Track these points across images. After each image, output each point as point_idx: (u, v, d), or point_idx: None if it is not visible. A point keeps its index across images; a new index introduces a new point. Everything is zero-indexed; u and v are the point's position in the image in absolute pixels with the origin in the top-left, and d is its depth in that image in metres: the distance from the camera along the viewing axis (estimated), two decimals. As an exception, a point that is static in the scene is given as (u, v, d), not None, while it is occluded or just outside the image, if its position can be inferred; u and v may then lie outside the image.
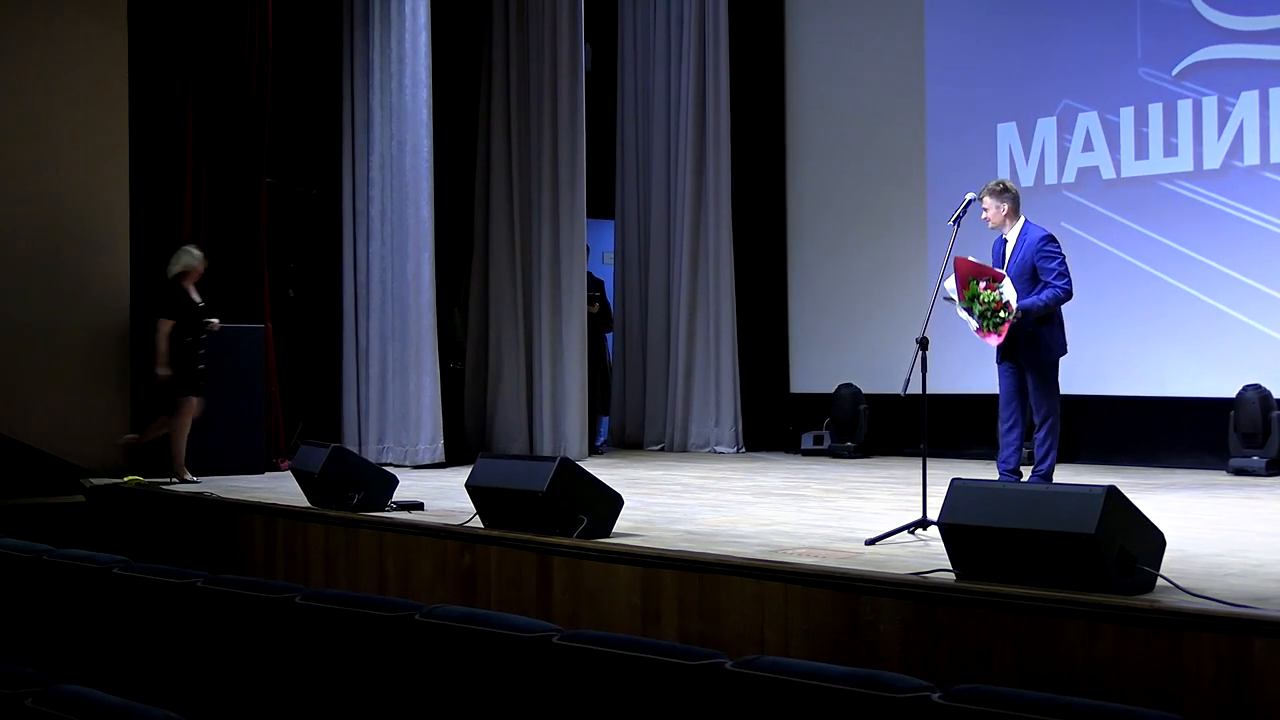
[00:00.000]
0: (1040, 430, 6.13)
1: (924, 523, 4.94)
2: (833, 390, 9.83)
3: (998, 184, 6.32)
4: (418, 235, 9.13)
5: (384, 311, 9.30)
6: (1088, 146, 8.97)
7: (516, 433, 9.72)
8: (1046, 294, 6.09)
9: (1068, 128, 9.07)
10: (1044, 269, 6.09)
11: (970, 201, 5.76)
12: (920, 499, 5.08)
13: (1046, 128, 9.15)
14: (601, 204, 11.29)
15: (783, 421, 9.86)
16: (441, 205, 9.44)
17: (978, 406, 9.27)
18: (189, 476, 7.74)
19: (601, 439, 11.00)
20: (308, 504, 6.32)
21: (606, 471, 7.61)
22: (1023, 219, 6.29)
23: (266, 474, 8.38)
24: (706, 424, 10.28)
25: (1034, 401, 6.16)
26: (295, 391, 9.46)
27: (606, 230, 11.93)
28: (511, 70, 9.97)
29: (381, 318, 9.31)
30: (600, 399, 10.90)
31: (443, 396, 9.22)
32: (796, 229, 10.31)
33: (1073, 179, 9.04)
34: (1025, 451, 6.33)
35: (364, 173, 9.51)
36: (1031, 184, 9.32)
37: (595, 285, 10.77)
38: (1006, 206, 6.23)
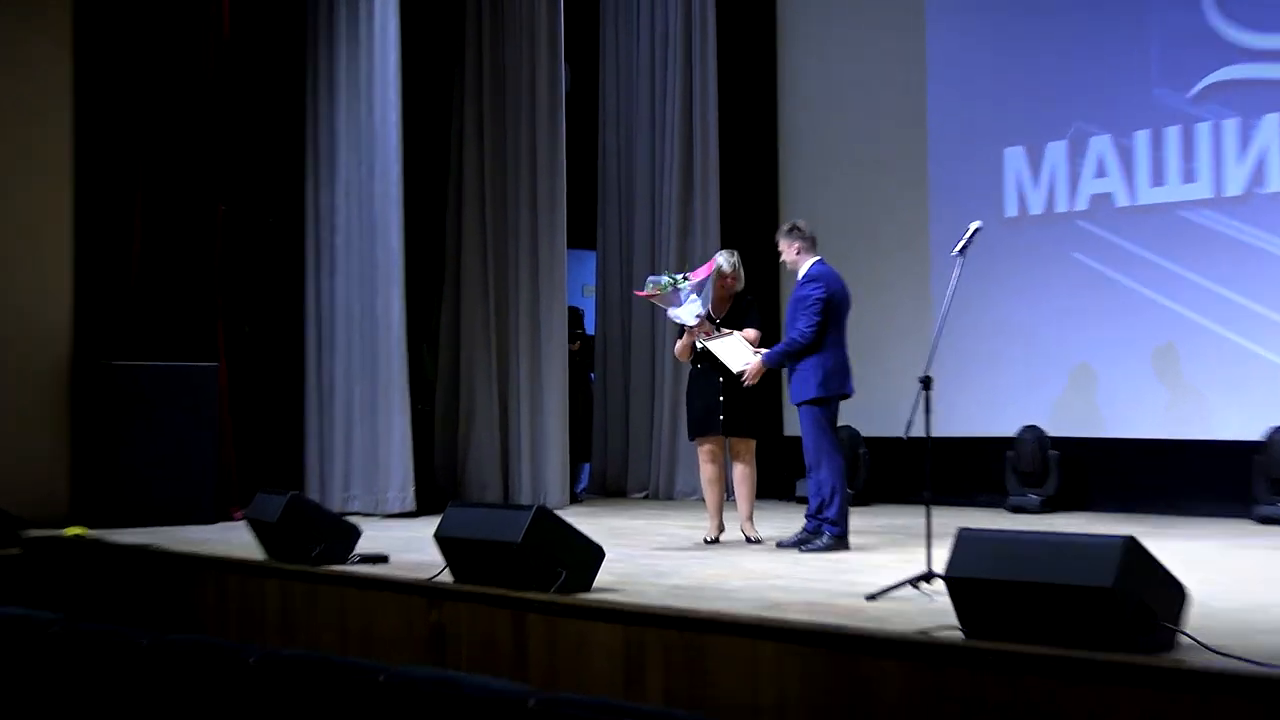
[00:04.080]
0: (819, 477, 6.64)
1: (929, 576, 4.90)
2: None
3: (789, 225, 6.94)
4: (387, 268, 9.13)
5: (350, 349, 9.30)
6: (1101, 172, 8.97)
7: (491, 479, 9.70)
8: (783, 343, 6.78)
9: (1079, 152, 9.09)
10: (799, 311, 6.68)
11: (977, 231, 5.74)
12: (924, 550, 5.03)
13: (1057, 152, 9.16)
14: (581, 233, 11.26)
15: (775, 467, 9.77)
16: (410, 235, 9.34)
17: (986, 451, 9.30)
18: None
19: (582, 486, 10.98)
20: (264, 557, 6.27)
21: (587, 521, 7.49)
22: (815, 258, 6.81)
23: (219, 524, 8.30)
24: (693, 470, 10.02)
25: (805, 446, 6.74)
26: (251, 435, 9.40)
27: (587, 261, 11.92)
28: (485, 92, 10.00)
29: (347, 355, 9.31)
30: (582, 444, 10.85)
31: (413, 440, 9.17)
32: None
33: (1085, 206, 9.03)
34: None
35: (328, 200, 9.50)
36: (1041, 211, 9.29)
37: (576, 320, 10.78)
38: (797, 244, 6.84)
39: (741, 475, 7.28)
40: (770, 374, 7.02)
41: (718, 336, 7.06)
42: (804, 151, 10.80)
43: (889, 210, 10.15)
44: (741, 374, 6.92)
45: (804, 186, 10.76)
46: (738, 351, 6.98)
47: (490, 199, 9.90)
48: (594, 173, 11.41)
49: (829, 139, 10.63)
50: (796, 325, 6.73)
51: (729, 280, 7.24)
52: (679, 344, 7.37)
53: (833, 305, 6.72)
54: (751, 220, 10.92)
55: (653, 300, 7.29)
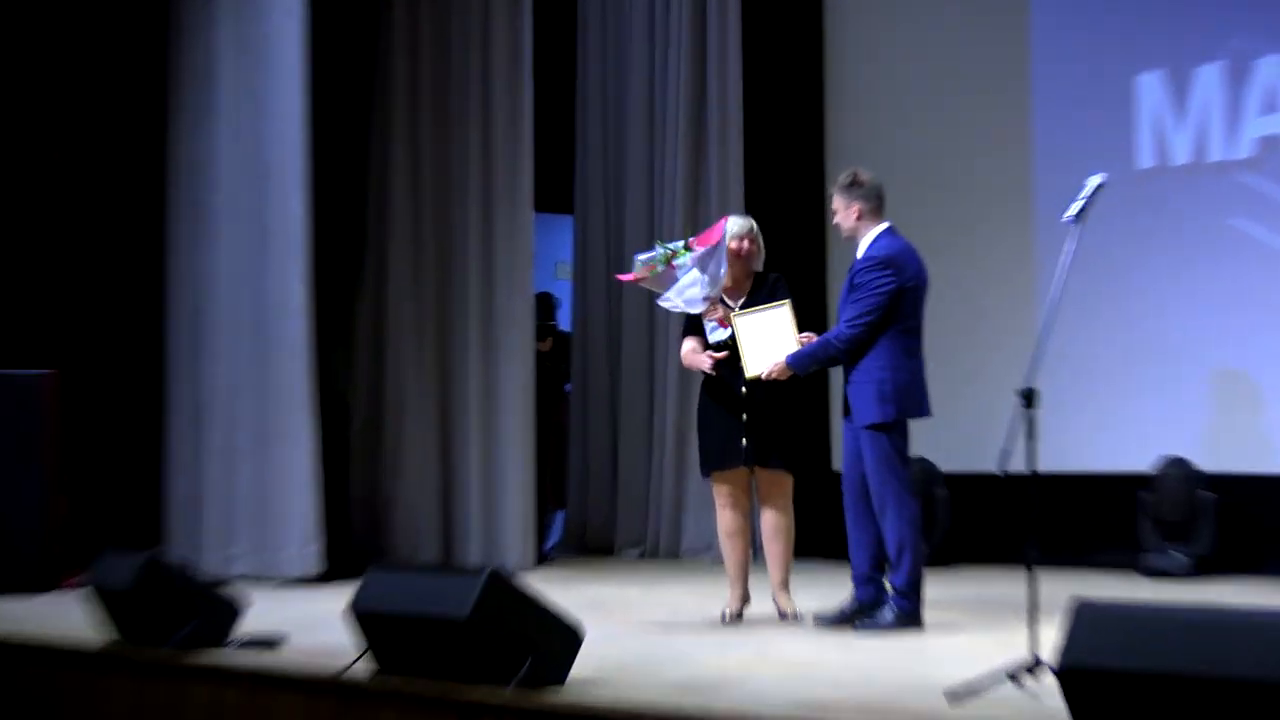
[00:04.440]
0: (883, 527, 6.71)
1: (1034, 666, 4.88)
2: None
3: (848, 175, 6.94)
4: (285, 239, 9.18)
5: (234, 352, 9.35)
6: (1269, 106, 9.01)
7: (427, 531, 9.81)
8: (819, 340, 6.86)
9: (1240, 79, 9.11)
10: (851, 300, 6.77)
11: (1099, 188, 5.70)
12: (1027, 630, 5.03)
13: (1208, 79, 9.19)
14: (553, 194, 11.43)
15: (821, 513, 9.48)
16: (319, 194, 9.37)
17: (1111, 493, 9.38)
18: None
19: (553, 541, 11.14)
20: (111, 640, 6.18)
21: (561, 589, 7.53)
22: (883, 225, 6.86)
23: (47, 595, 8.27)
24: (707, 518, 9.90)
25: (869, 485, 6.79)
26: (96, 470, 9.39)
27: (560, 230, 12.07)
28: (423, 37, 10.08)
29: (231, 360, 9.35)
30: (554, 483, 10.89)
31: (321, 479, 9.20)
32: (837, 237, 10.32)
33: (1249, 153, 9.05)
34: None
35: (204, 144, 9.52)
36: (1189, 160, 9.29)
37: (547, 310, 10.89)
38: (857, 206, 6.84)
39: (774, 526, 7.27)
40: (814, 381, 7.15)
41: (748, 312, 7.10)
42: (857, 86, 10.83)
43: (976, 159, 10.16)
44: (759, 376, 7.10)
45: (857, 134, 10.76)
46: (772, 335, 7.02)
47: (428, 147, 10.06)
48: (570, 115, 11.50)
49: (892, 71, 10.66)
50: (844, 315, 6.81)
51: (746, 247, 7.27)
52: (686, 345, 7.36)
53: (906, 296, 6.75)
54: (787, 176, 10.91)
55: (643, 284, 7.33)
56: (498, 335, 9.90)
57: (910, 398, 6.75)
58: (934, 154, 10.34)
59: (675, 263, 7.07)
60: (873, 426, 6.70)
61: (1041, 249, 9.60)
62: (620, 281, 7.96)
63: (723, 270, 7.13)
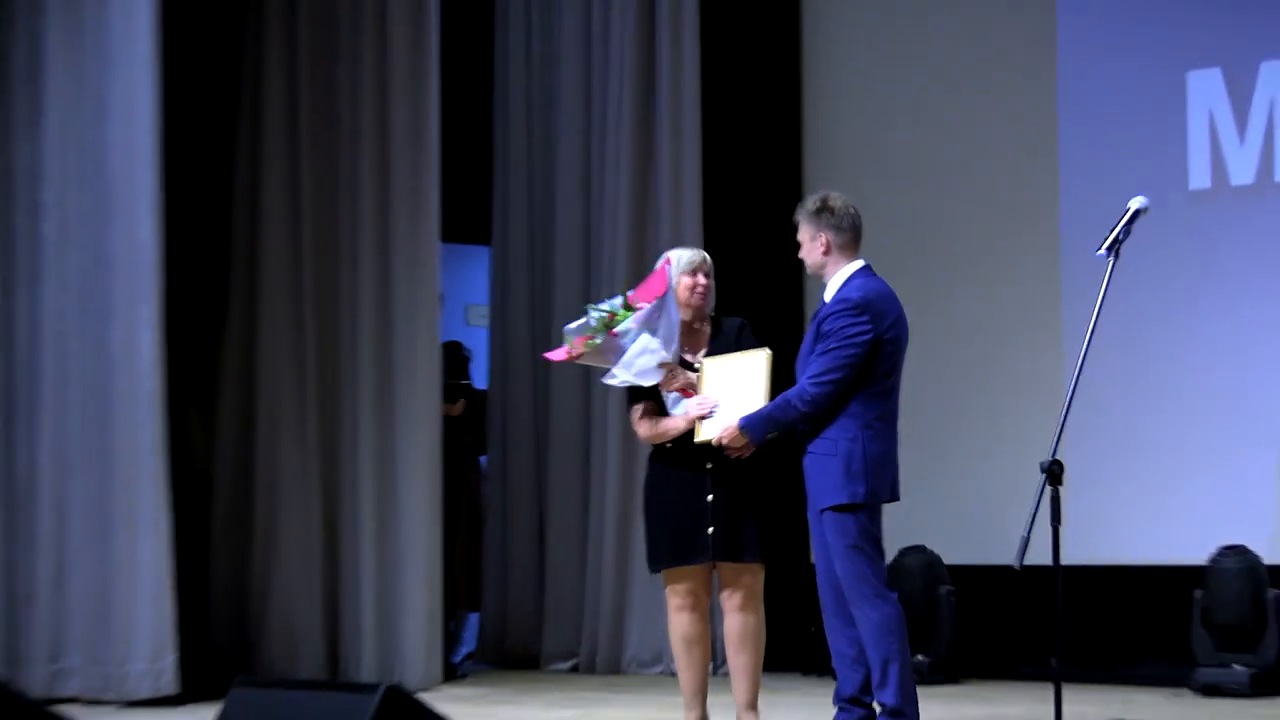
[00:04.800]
0: (862, 634, 6.68)
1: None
2: (889, 560, 9.81)
3: (817, 200, 6.93)
4: (132, 272, 9.15)
5: (63, 414, 9.24)
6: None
7: (308, 638, 9.80)
8: (777, 400, 6.81)
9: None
10: (817, 352, 6.74)
11: (1137, 214, 5.87)
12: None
13: (1272, 79, 9.28)
14: (463, 220, 11.53)
15: (799, 616, 9.62)
16: (173, 218, 9.34)
17: (1156, 590, 9.42)
18: None
19: (465, 651, 11.24)
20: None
21: (474, 711, 7.63)
22: (857, 263, 6.85)
23: None
24: (656, 624, 10.04)
25: (841, 582, 6.86)
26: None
27: (473, 265, 12.22)
28: (303, 29, 10.13)
29: (59, 425, 9.24)
30: (467, 579, 10.99)
31: (174, 573, 9.10)
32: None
33: (1325, 174, 9.81)
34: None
35: (27, 154, 9.36)
36: (1252, 180, 9.36)
37: (457, 364, 11.00)
38: (826, 238, 6.83)
39: (742, 631, 7.20)
40: (796, 450, 7.13)
41: (719, 358, 7.11)
42: (843, 89, 10.92)
43: (990, 178, 10.24)
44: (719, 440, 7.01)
45: (843, 147, 10.83)
46: (740, 391, 6.95)
47: (309, 163, 10.11)
48: (486, 125, 11.67)
49: (886, 69, 10.74)
50: (809, 371, 6.78)
51: (701, 283, 7.27)
52: (638, 412, 7.34)
53: (883, 349, 6.75)
54: (756, 196, 10.92)
55: (579, 361, 7.40)
56: (396, 396, 9.86)
57: (883, 475, 6.75)
58: (938, 171, 10.42)
59: (616, 329, 7.07)
60: (839, 509, 6.68)
61: (1070, 288, 9.61)
62: (551, 361, 7.80)
63: (676, 324, 7.14)
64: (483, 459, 11.48)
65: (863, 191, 10.21)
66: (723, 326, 7.33)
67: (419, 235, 10.03)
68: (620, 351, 7.07)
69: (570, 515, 11.07)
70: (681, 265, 7.23)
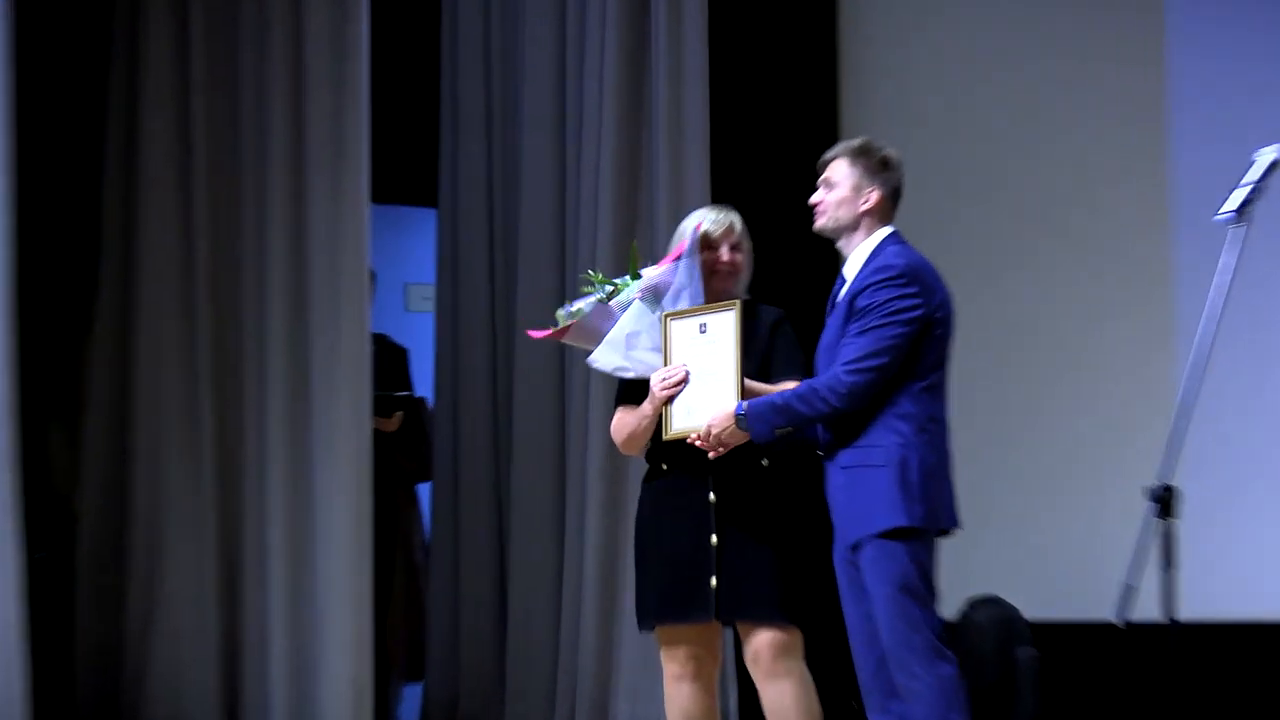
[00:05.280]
0: (910, 708, 6.54)
1: None
2: (955, 616, 9.82)
3: (870, 144, 6.90)
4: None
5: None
6: None
7: (198, 708, 9.66)
8: (797, 389, 6.65)
9: None
10: (850, 333, 6.63)
11: (1273, 168, 5.76)
12: None
13: None
14: (403, 178, 11.66)
15: (836, 689, 9.25)
16: (26, 187, 9.27)
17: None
18: None
19: None
20: None
21: None
22: (886, 230, 6.80)
23: None
24: (654, 691, 9.51)
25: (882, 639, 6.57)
26: None
27: (414, 232, 12.28)
28: None
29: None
30: (404, 639, 10.95)
31: (28, 629, 8.93)
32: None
33: None
34: None
35: None
36: None
37: (393, 364, 10.87)
38: (878, 193, 6.80)
39: (778, 707, 7.05)
40: (813, 461, 6.79)
41: (684, 314, 7.01)
42: (888, 28, 11.30)
43: (1080, 122, 10.55)
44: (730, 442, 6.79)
45: (890, 96, 11.18)
46: (716, 366, 6.89)
47: (202, 115, 10.08)
48: (433, 52, 11.58)
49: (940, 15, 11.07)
50: (842, 356, 6.58)
51: (726, 257, 7.16)
52: (618, 418, 7.19)
53: (933, 333, 6.66)
54: (782, 159, 10.83)
55: (565, 339, 7.25)
56: (314, 404, 9.72)
57: (943, 493, 6.60)
58: (1010, 123, 10.83)
59: (607, 301, 7.03)
60: (889, 535, 6.47)
61: (1182, 264, 9.96)
62: (533, 338, 7.75)
63: (698, 297, 7.02)
64: (423, 487, 11.36)
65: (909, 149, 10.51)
66: (760, 316, 7.10)
67: (342, 194, 9.86)
68: (610, 322, 7.03)
69: (540, 557, 10.74)
70: (709, 224, 7.18)
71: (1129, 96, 10.35)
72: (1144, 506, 5.50)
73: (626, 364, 7.01)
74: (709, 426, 6.68)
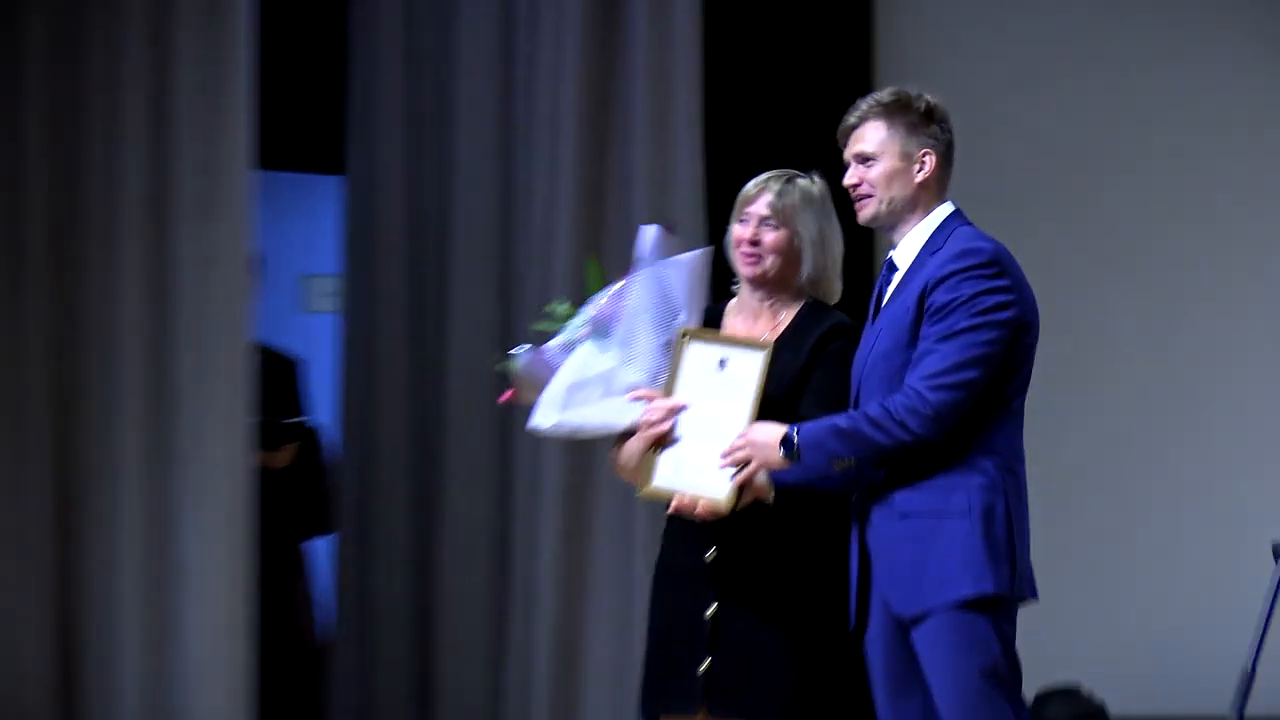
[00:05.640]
0: None
1: None
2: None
3: (911, 95, 6.63)
4: None
5: None
6: None
7: None
8: (853, 416, 6.39)
9: None
10: (925, 333, 6.37)
11: None
12: None
13: None
14: (304, 141, 11.24)
15: None
16: None
17: None
18: None
19: None
20: None
21: None
22: (947, 208, 6.57)
23: None
24: None
25: None
26: None
27: (315, 208, 11.86)
28: None
29: None
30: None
31: None
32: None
33: None
34: None
35: None
36: None
37: (283, 382, 10.36)
38: (932, 155, 6.55)
39: None
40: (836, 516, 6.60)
41: (705, 337, 6.82)
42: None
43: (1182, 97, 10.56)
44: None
45: (930, 41, 11.20)
46: (728, 405, 6.66)
47: (41, 66, 9.73)
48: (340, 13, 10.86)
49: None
50: (921, 369, 6.30)
51: (752, 229, 6.89)
52: (627, 447, 6.91)
53: (1025, 339, 6.40)
54: (802, 114, 10.75)
55: (521, 400, 7.00)
56: (177, 435, 9.30)
57: (1026, 556, 6.36)
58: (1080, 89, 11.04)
59: (554, 341, 6.90)
60: (969, 606, 6.26)
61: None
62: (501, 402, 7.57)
63: (663, 321, 6.91)
64: (317, 540, 10.82)
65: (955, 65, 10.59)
66: (820, 319, 6.90)
67: (218, 157, 9.51)
68: (548, 373, 6.78)
69: (477, 635, 10.68)
70: (751, 188, 6.93)
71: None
72: (1271, 568, 5.42)
73: (570, 423, 6.91)
74: (739, 446, 6.46)
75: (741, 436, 6.40)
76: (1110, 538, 9.68)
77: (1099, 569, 9.59)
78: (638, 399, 6.70)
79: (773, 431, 6.32)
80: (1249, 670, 5.29)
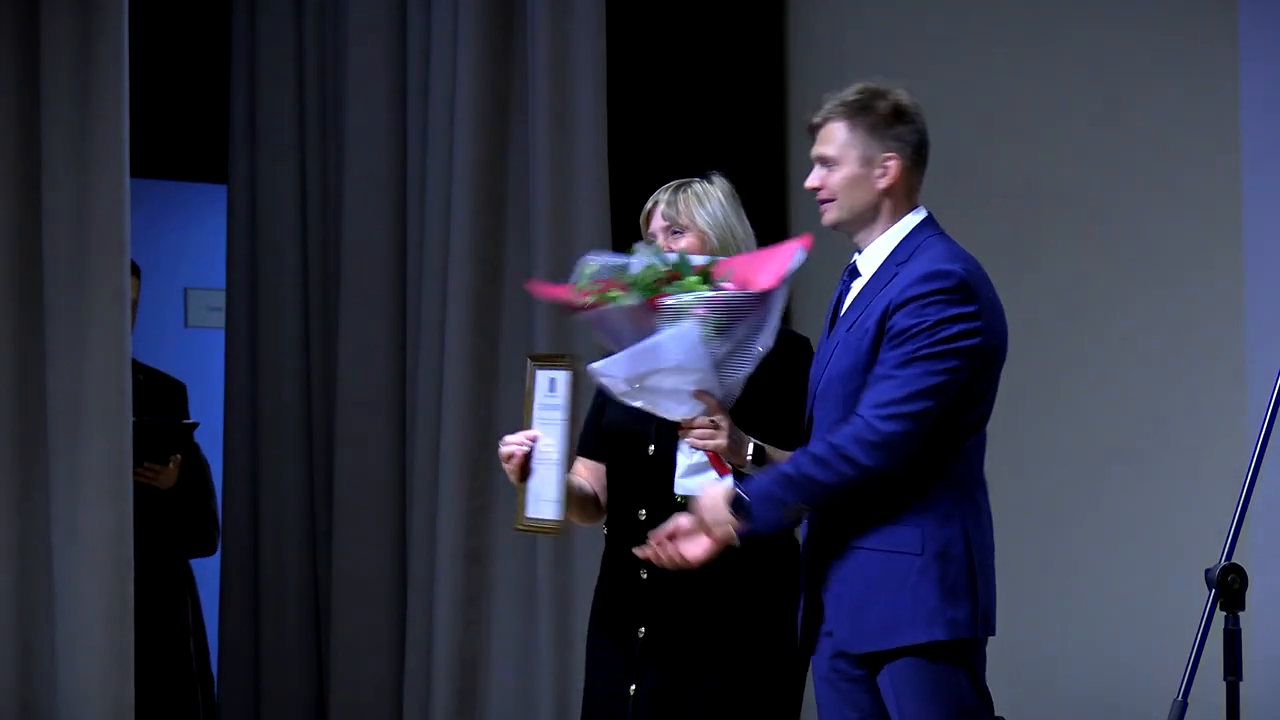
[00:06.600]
0: None
1: None
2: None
3: (876, 93, 6.49)
4: None
5: None
6: None
7: None
8: (820, 442, 6.21)
9: None
10: (884, 357, 6.27)
11: None
12: None
13: None
14: (189, 148, 11.11)
15: None
16: None
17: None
18: None
19: None
20: None
21: None
22: (919, 215, 6.48)
23: None
24: None
25: None
26: None
27: (208, 213, 11.45)
28: None
29: None
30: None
31: None
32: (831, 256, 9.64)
33: None
34: None
35: None
36: None
37: (171, 398, 10.00)
38: (897, 161, 6.40)
39: None
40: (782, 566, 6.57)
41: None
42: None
43: (1149, 98, 9.87)
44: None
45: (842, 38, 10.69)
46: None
47: None
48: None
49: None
50: (876, 394, 6.19)
51: (685, 243, 6.97)
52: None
53: (990, 369, 6.38)
54: (722, 102, 10.63)
55: (576, 311, 6.77)
56: (50, 455, 9.06)
57: (990, 591, 6.26)
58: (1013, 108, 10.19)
59: (664, 298, 6.50)
60: (930, 651, 6.15)
61: (1259, 285, 9.32)
62: (537, 295, 7.63)
63: (765, 341, 6.61)
64: (203, 560, 10.29)
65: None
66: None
67: (91, 160, 9.13)
68: (648, 332, 6.48)
69: (374, 669, 10.53)
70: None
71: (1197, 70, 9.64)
72: (1200, 595, 5.44)
73: (636, 395, 6.74)
74: (693, 514, 6.38)
75: (693, 508, 6.38)
76: (1045, 567, 9.47)
77: (1031, 599, 9.39)
78: (699, 395, 6.64)
79: (719, 496, 6.29)
80: (1180, 700, 5.42)
